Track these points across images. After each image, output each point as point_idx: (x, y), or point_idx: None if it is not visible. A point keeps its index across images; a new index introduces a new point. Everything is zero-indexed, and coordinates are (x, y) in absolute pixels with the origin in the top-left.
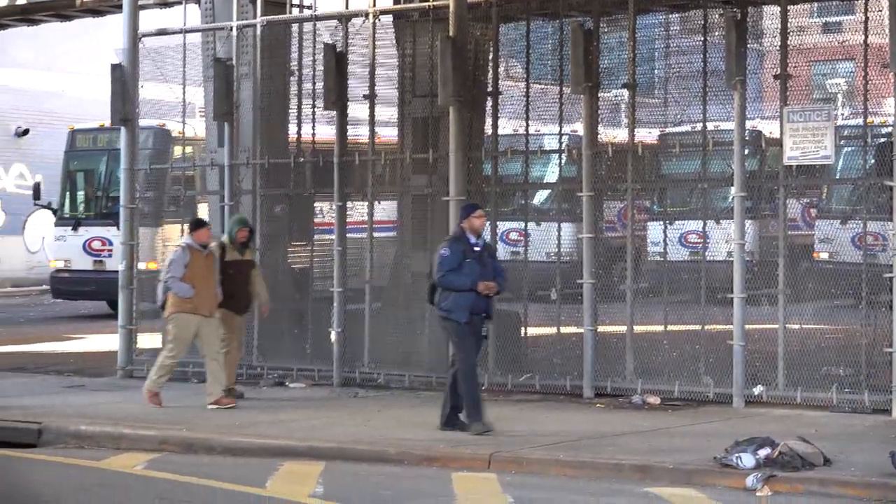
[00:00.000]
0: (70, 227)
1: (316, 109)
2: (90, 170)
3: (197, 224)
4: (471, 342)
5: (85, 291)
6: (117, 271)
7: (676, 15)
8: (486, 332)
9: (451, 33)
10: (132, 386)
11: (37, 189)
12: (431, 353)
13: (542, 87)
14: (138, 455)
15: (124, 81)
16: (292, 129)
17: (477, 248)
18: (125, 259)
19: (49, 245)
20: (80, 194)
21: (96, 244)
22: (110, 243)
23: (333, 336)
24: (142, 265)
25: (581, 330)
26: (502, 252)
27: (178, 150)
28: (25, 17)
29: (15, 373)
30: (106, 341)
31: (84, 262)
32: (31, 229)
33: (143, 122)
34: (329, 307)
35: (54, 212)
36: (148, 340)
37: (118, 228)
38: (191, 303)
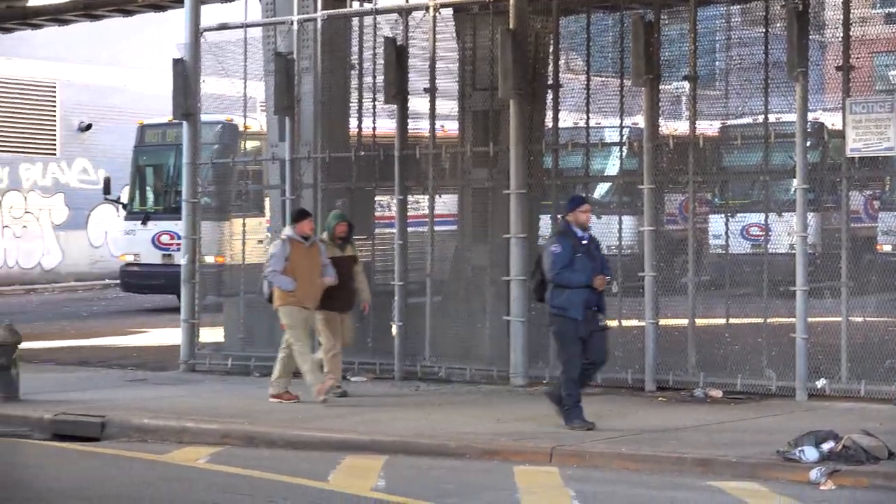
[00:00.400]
0: (139, 222)
1: (376, 103)
2: (159, 164)
3: (299, 215)
4: (578, 343)
5: (154, 285)
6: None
7: (738, 6)
8: (604, 325)
9: (511, 26)
10: (195, 380)
11: (107, 184)
12: (492, 346)
13: (603, 79)
14: (201, 449)
15: (186, 76)
16: (353, 122)
17: (584, 242)
18: (187, 253)
19: (118, 239)
20: (149, 189)
21: (165, 238)
22: (179, 237)
23: (394, 330)
24: (209, 259)
25: (643, 323)
26: None
27: (245, 145)
28: (88, 12)
29: (78, 367)
30: (168, 335)
31: (153, 256)
32: (95, 224)
33: (211, 117)
34: (390, 301)
35: (124, 206)
36: (210, 334)
37: None
38: (294, 295)
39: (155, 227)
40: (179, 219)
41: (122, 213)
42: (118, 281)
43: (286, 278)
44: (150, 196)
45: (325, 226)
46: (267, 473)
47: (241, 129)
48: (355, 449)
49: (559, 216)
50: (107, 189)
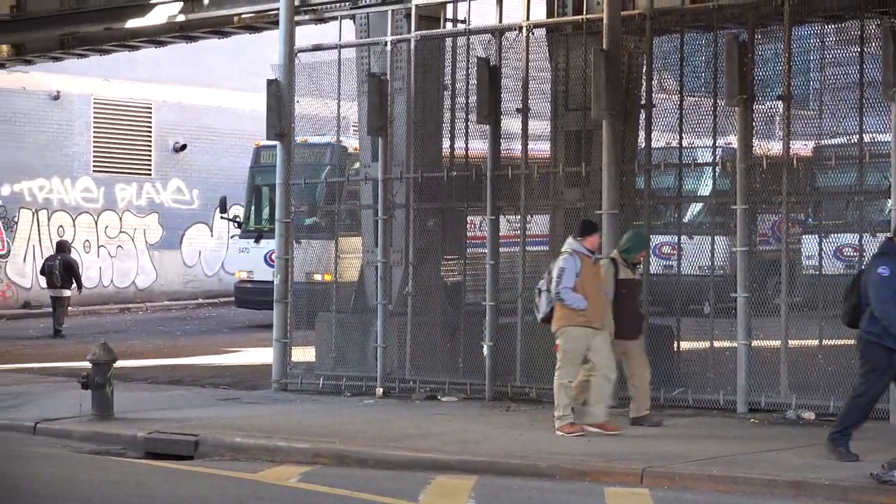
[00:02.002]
0: (252, 240)
1: (469, 123)
2: (273, 184)
3: (588, 228)
4: (889, 374)
5: (265, 301)
6: (297, 282)
7: (832, 26)
8: None
9: (604, 46)
10: (286, 399)
11: (223, 203)
12: None
13: (696, 99)
14: (292, 468)
15: (280, 97)
16: (445, 142)
17: None
18: (280, 273)
19: (233, 257)
20: (264, 208)
21: None
22: None
23: (485, 350)
24: (318, 277)
25: (734, 344)
26: (654, 266)
27: (353, 165)
28: (184, 33)
29: (172, 385)
30: (261, 354)
31: (265, 274)
32: (188, 243)
33: (321, 139)
34: (481, 321)
35: (239, 225)
36: (302, 354)
37: (297, 242)
38: (583, 315)
39: (267, 245)
40: None
41: (214, 232)
42: (232, 297)
43: (579, 296)
44: (264, 215)
45: (622, 245)
46: (358, 493)
47: (350, 150)
48: (445, 469)
49: (886, 236)
50: (223, 208)
